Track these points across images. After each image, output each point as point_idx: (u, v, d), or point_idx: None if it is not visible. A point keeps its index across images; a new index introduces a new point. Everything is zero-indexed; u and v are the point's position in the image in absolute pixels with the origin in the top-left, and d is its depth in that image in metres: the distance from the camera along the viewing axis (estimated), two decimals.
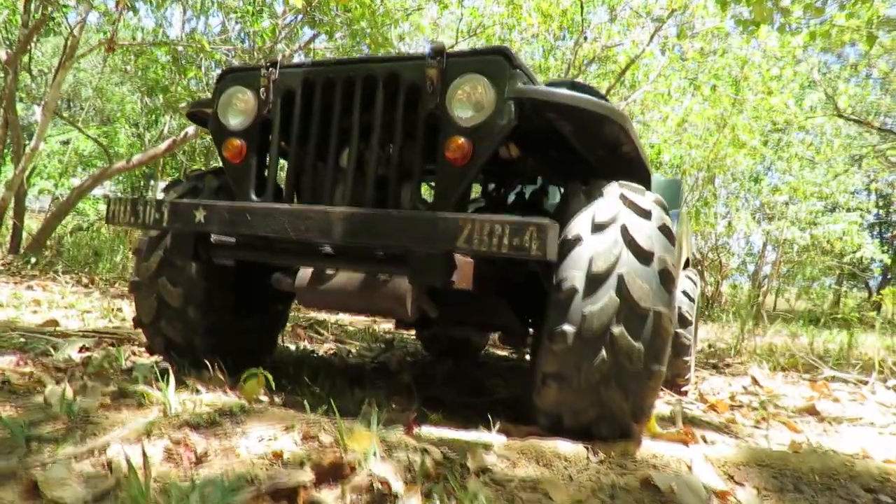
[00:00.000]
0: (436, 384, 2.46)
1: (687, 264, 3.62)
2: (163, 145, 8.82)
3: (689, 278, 3.31)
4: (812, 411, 2.84)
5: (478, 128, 1.60)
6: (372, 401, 1.60)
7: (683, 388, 3.07)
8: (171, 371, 1.67)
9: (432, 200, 1.65)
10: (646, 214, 1.59)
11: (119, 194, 15.60)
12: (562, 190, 2.58)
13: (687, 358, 3.11)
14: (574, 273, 1.50)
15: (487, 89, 1.59)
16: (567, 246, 1.54)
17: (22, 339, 2.46)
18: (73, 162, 14.39)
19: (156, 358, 2.18)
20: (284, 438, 1.36)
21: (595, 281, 1.48)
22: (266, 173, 1.87)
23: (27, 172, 7.64)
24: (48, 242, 8.44)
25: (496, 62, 1.60)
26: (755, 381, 3.80)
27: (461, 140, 1.60)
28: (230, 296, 2.07)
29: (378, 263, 1.64)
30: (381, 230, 1.49)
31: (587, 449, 1.47)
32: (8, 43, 8.70)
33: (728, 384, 3.75)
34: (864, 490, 1.47)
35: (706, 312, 15.08)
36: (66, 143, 14.54)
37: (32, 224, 10.57)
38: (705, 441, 1.94)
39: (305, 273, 1.76)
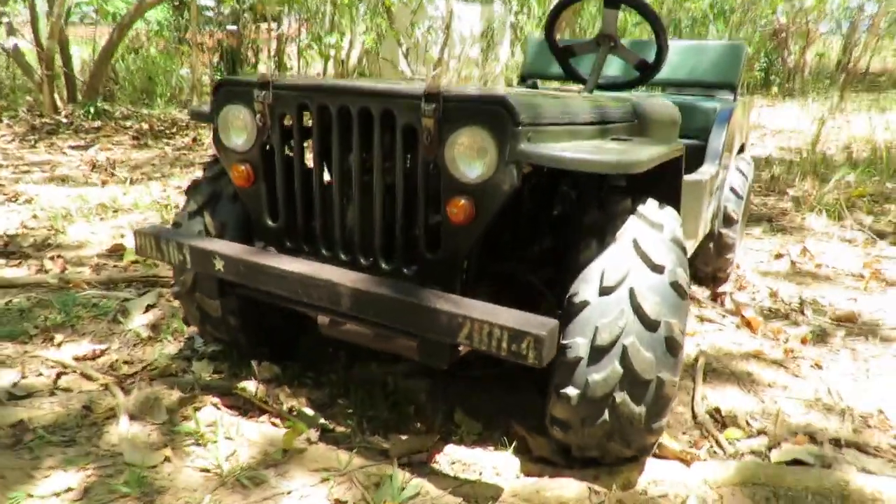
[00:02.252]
0: None
1: (742, 149, 3.37)
2: None
3: (740, 171, 3.13)
4: (851, 318, 2.85)
5: (480, 187, 1.50)
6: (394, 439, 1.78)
7: (721, 289, 3.08)
8: (220, 419, 1.88)
9: (440, 257, 1.62)
10: (659, 269, 1.52)
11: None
12: None
13: (729, 256, 3.09)
14: (579, 341, 1.51)
15: (488, 144, 1.45)
16: (574, 309, 1.53)
17: (94, 303, 2.71)
18: None
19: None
20: (318, 496, 1.59)
21: (599, 351, 1.49)
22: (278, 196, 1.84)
23: (63, 18, 7.46)
24: (103, 80, 8.52)
25: (496, 114, 1.43)
26: (805, 252, 3.75)
27: (462, 201, 1.51)
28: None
29: (390, 329, 1.66)
30: (384, 312, 1.52)
31: (589, 489, 1.62)
32: None
33: (776, 256, 3.72)
34: None
35: (785, 86, 13.98)
36: None
37: (86, 51, 10.53)
38: (717, 416, 2.06)
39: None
